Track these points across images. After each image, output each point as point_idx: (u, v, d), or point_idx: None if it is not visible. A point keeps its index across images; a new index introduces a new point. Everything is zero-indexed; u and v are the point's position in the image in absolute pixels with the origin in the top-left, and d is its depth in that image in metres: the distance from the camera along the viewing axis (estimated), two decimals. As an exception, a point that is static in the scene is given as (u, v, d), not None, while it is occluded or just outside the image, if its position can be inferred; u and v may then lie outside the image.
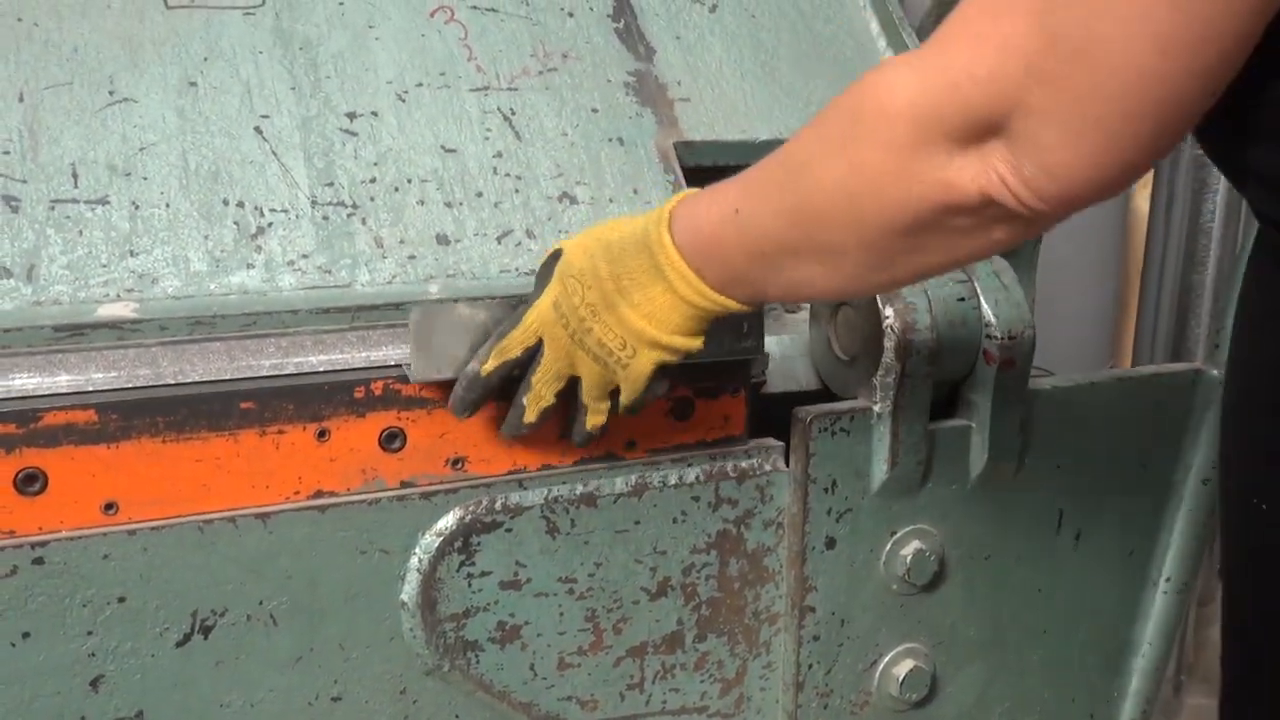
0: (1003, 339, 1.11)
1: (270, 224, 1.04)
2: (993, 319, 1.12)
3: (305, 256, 1.04)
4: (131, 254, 0.99)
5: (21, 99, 1.01)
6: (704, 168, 1.22)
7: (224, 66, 1.09)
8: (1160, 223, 2.66)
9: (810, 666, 1.14)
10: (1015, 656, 1.25)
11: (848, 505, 1.12)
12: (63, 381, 0.92)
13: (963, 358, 1.12)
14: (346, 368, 0.99)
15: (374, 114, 1.11)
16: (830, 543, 1.12)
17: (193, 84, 1.07)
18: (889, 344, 1.08)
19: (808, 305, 1.21)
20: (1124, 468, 1.26)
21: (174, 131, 1.04)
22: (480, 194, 1.11)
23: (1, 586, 0.88)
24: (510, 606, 1.03)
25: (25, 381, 0.91)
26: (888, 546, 1.14)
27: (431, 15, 1.18)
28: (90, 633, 0.91)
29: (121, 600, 0.92)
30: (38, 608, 0.89)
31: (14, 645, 0.89)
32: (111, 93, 1.04)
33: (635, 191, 1.16)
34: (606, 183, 1.16)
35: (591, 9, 1.24)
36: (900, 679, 1.17)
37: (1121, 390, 1.24)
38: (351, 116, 1.10)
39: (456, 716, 1.04)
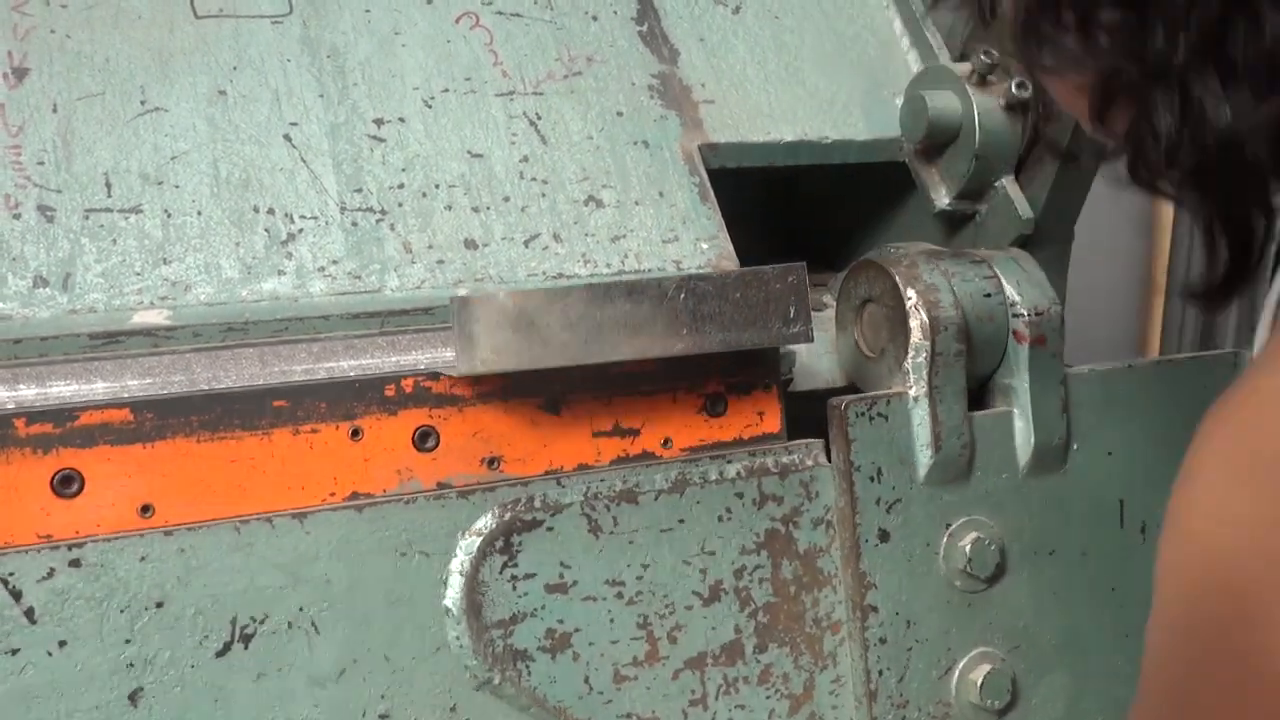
0: (1029, 315, 1.11)
1: (300, 230, 1.05)
2: (1016, 298, 1.12)
3: (335, 262, 1.05)
4: (165, 262, 1.01)
5: (55, 110, 1.03)
6: (728, 170, 1.22)
7: (253, 75, 1.10)
8: (1186, 219, 2.65)
9: (881, 674, 1.09)
10: (1100, 662, 1.18)
11: (896, 495, 1.09)
12: (99, 389, 0.93)
13: (994, 348, 1.11)
14: (377, 373, 0.99)
15: (401, 120, 1.12)
16: (884, 535, 1.09)
17: (222, 93, 1.08)
18: (915, 323, 1.07)
19: (833, 303, 1.21)
20: (1178, 455, 1.23)
21: (205, 140, 1.06)
22: (507, 198, 1.12)
23: (38, 590, 0.87)
24: (558, 612, 1.00)
25: (62, 389, 0.92)
26: (944, 539, 1.11)
27: (457, 21, 1.19)
28: (128, 641, 0.89)
29: (160, 605, 0.90)
30: (74, 613, 0.88)
31: (50, 654, 0.87)
32: (143, 102, 1.06)
33: (660, 194, 1.17)
34: (632, 186, 1.16)
35: (615, 12, 1.25)
36: (979, 684, 1.11)
37: (1161, 375, 1.21)
38: (379, 123, 1.11)
39: None
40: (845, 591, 1.09)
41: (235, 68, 1.09)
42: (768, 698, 1.06)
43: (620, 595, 1.02)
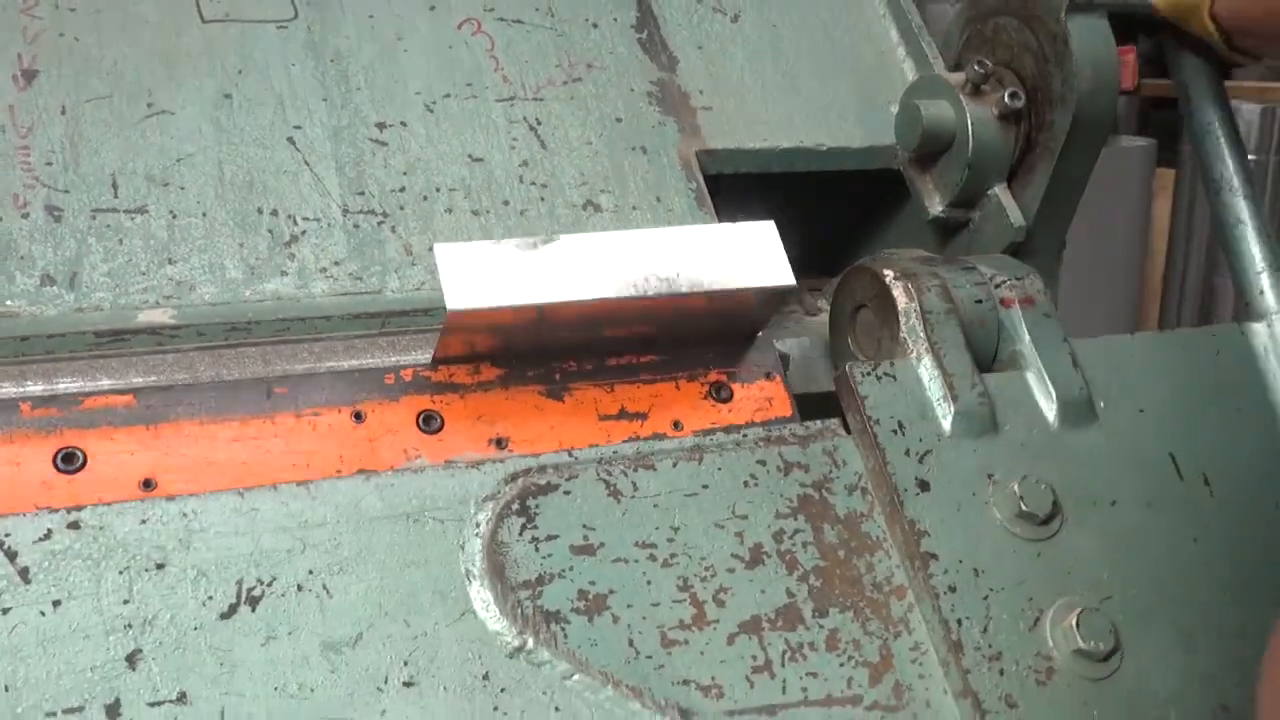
0: (1009, 280, 1.11)
1: (303, 232, 1.07)
2: (995, 273, 1.12)
3: (337, 264, 1.07)
4: (170, 261, 1.02)
5: (64, 112, 1.05)
6: (725, 175, 1.24)
7: (258, 79, 1.12)
8: (1182, 226, 2.67)
9: (960, 623, 0.97)
10: (1204, 615, 1.07)
11: (925, 446, 1.03)
12: (104, 385, 0.95)
13: (988, 323, 1.11)
14: (377, 366, 1.01)
15: (403, 124, 1.14)
16: (923, 485, 1.02)
17: (228, 96, 1.10)
18: (898, 293, 1.08)
19: (827, 308, 1.23)
20: (1220, 411, 1.15)
21: (210, 142, 1.08)
22: (507, 202, 1.14)
23: (34, 551, 0.83)
24: (588, 573, 0.92)
25: (68, 385, 0.94)
26: (989, 488, 1.04)
27: (459, 27, 1.21)
28: (126, 601, 0.84)
29: (160, 567, 0.85)
30: (70, 573, 0.83)
31: (44, 614, 0.82)
32: (150, 105, 1.08)
33: (658, 199, 1.19)
34: (630, 190, 1.18)
35: (615, 20, 1.27)
36: (1076, 626, 0.99)
37: (1166, 344, 1.18)
38: (381, 127, 1.13)
39: (556, 709, 0.88)
40: (899, 551, 1.00)
41: (240, 72, 1.11)
42: (841, 665, 0.95)
43: (653, 558, 0.95)
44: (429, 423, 0.99)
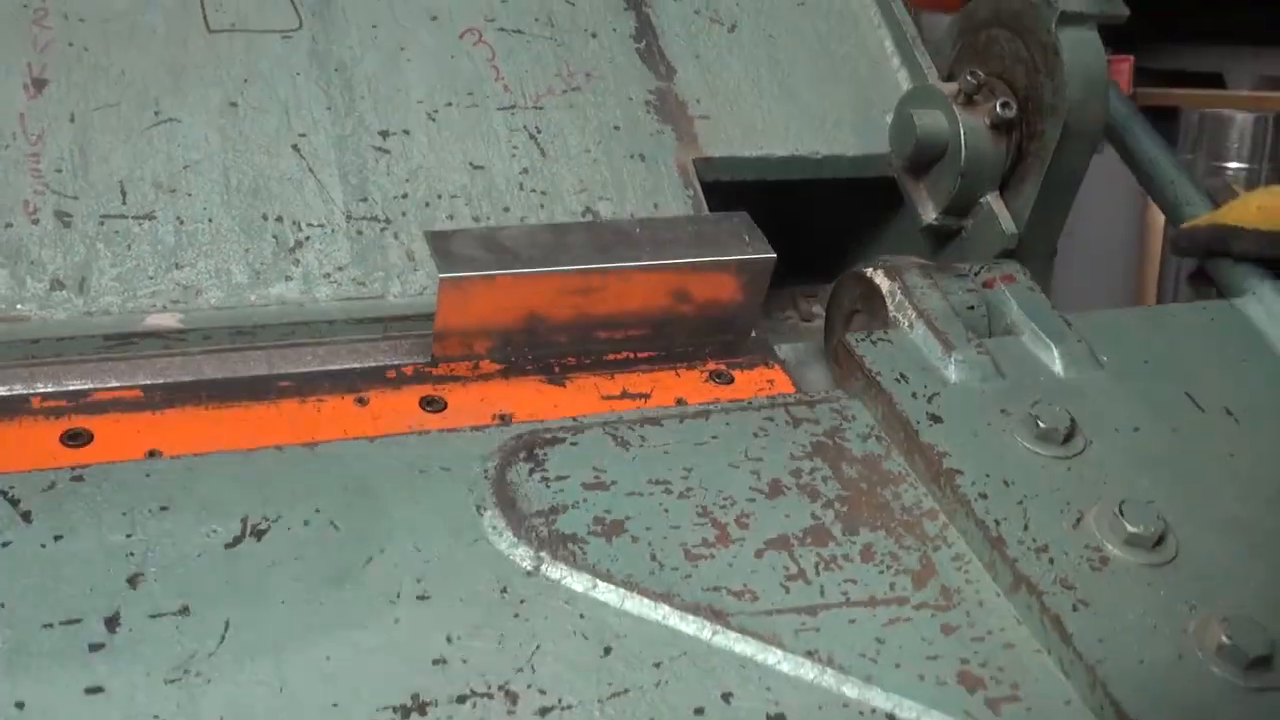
0: (988, 266, 1.13)
1: (307, 238, 1.09)
2: (974, 266, 1.14)
3: (340, 269, 1.09)
4: (177, 267, 1.05)
5: (73, 120, 1.07)
6: (722, 183, 1.26)
7: (263, 87, 1.14)
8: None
9: (998, 522, 0.91)
10: (1255, 519, 0.99)
11: (932, 390, 1.00)
12: (112, 386, 0.96)
13: (978, 313, 1.11)
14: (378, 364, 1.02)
15: (406, 132, 1.16)
16: (935, 419, 0.98)
17: (233, 104, 1.12)
18: (879, 278, 1.09)
19: (823, 314, 1.25)
20: (1225, 363, 1.13)
21: (216, 150, 1.10)
22: (507, 209, 1.16)
23: (37, 498, 0.82)
24: (603, 504, 0.89)
25: (77, 386, 0.95)
26: (1004, 419, 0.99)
27: (460, 37, 1.23)
28: (129, 535, 0.81)
29: (164, 509, 0.83)
30: (72, 511, 0.81)
31: (44, 546, 0.80)
32: (157, 113, 1.10)
33: (656, 206, 1.21)
34: (628, 197, 1.20)
35: (614, 30, 1.29)
36: (1120, 513, 0.92)
37: (1158, 318, 1.17)
38: (384, 135, 1.15)
39: (581, 615, 0.82)
40: (922, 480, 0.96)
41: (246, 80, 1.13)
42: (880, 574, 0.89)
43: (669, 491, 0.91)
44: (432, 404, 0.99)
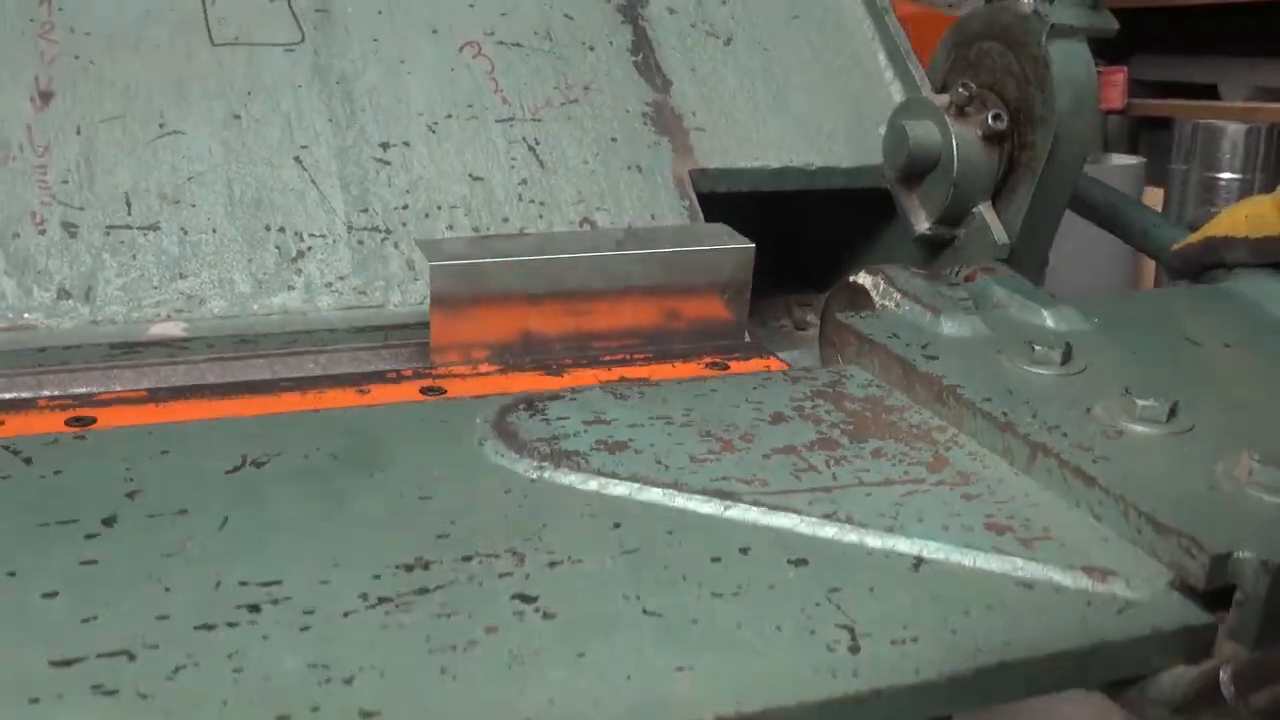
0: (965, 265, 1.16)
1: (309, 248, 1.11)
2: (956, 268, 1.17)
3: (342, 278, 1.10)
4: (181, 276, 1.06)
5: (79, 132, 1.09)
6: (717, 194, 1.28)
7: (266, 100, 1.16)
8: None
9: (1006, 414, 0.90)
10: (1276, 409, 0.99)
11: (925, 339, 1.01)
12: (117, 390, 0.98)
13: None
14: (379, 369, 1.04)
15: (406, 144, 1.18)
16: (931, 356, 0.98)
17: (237, 117, 1.14)
18: (861, 277, 1.11)
19: (817, 323, 1.27)
20: (1222, 321, 1.14)
21: (219, 161, 1.12)
22: (506, 219, 1.18)
23: (40, 449, 0.83)
24: (605, 433, 0.89)
25: (83, 392, 0.97)
26: (999, 354, 1.00)
27: (460, 50, 1.25)
28: (128, 469, 0.81)
29: (165, 452, 0.84)
30: (73, 456, 0.82)
31: (43, 477, 0.80)
32: (162, 125, 1.11)
33: (652, 216, 1.23)
34: (625, 208, 1.22)
35: (611, 43, 1.31)
36: (1128, 392, 0.91)
37: (1150, 300, 1.19)
38: (385, 146, 1.17)
39: (588, 504, 0.81)
40: (926, 405, 0.96)
41: (249, 93, 1.15)
42: (894, 466, 0.88)
43: (670, 422, 0.92)
44: (431, 392, 1.00)
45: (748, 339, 1.14)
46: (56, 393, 0.96)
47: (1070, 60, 1.24)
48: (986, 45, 1.31)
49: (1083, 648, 0.70)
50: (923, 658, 0.67)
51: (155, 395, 0.95)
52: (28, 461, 0.80)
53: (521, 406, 0.91)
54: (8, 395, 0.95)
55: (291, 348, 1.05)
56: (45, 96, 1.09)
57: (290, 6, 1.21)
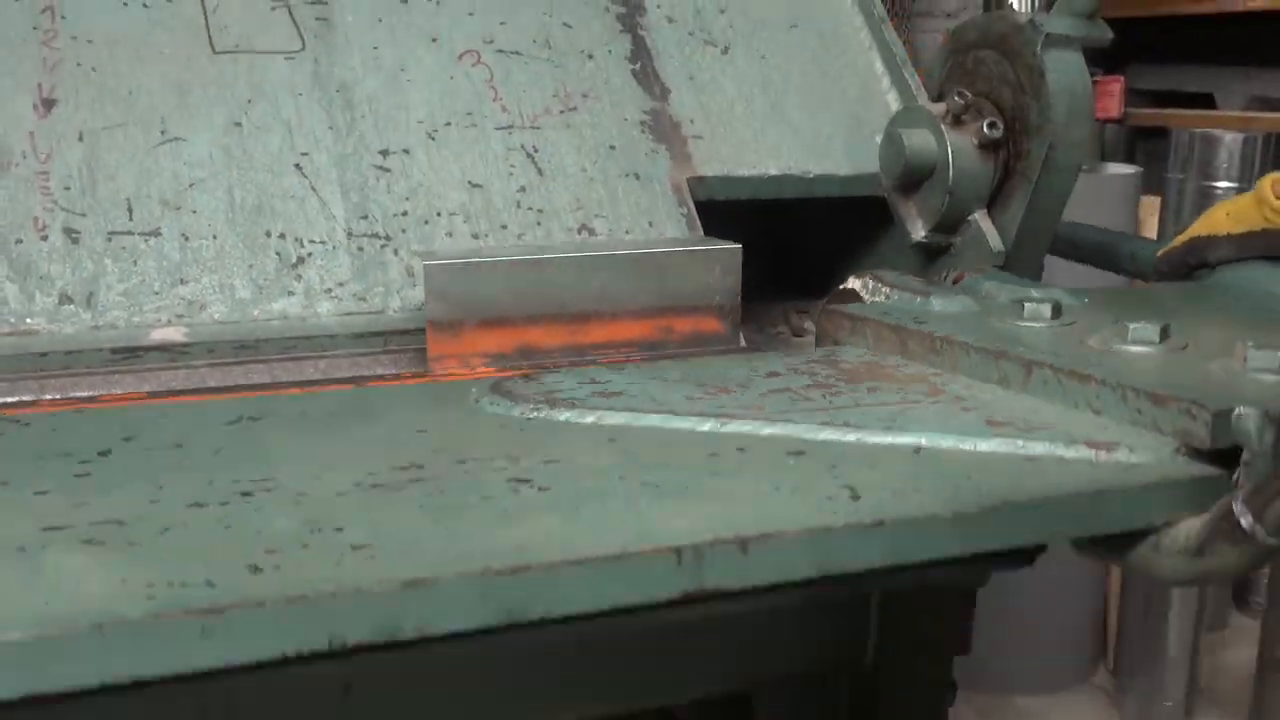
0: (953, 268, 1.18)
1: (309, 254, 1.11)
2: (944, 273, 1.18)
3: (342, 284, 1.11)
4: (182, 282, 1.07)
5: (81, 138, 1.09)
6: (715, 202, 1.29)
7: (266, 107, 1.16)
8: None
9: (1005, 351, 0.92)
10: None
11: (917, 310, 1.03)
12: (117, 394, 0.99)
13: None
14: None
15: (406, 151, 1.19)
16: (922, 321, 1.00)
17: (238, 124, 1.15)
18: (851, 280, 1.13)
19: (814, 330, 1.27)
20: (1214, 302, 1.17)
21: (220, 168, 1.12)
22: (505, 226, 1.18)
23: (38, 421, 0.85)
24: (601, 388, 0.92)
25: (84, 395, 0.98)
26: (993, 315, 1.01)
27: (460, 58, 1.26)
28: (125, 427, 0.84)
29: (163, 415, 0.87)
30: (74, 420, 0.86)
31: (40, 434, 0.83)
32: (163, 132, 1.12)
33: (650, 224, 1.23)
34: (623, 215, 1.23)
35: (610, 52, 1.32)
36: (1118, 321, 0.94)
37: (1140, 288, 1.22)
38: (385, 154, 1.18)
39: (585, 430, 0.84)
40: (922, 360, 0.97)
41: (250, 100, 1.16)
42: (891, 395, 0.89)
43: (664, 380, 0.94)
44: None
45: (743, 343, 1.15)
46: (58, 397, 0.97)
47: (1065, 70, 1.25)
48: (982, 54, 1.32)
49: (1089, 492, 0.71)
50: (925, 504, 0.68)
51: (156, 399, 0.96)
52: (25, 425, 0.84)
53: (517, 379, 0.95)
54: (10, 399, 0.95)
55: (291, 353, 1.06)
56: (48, 104, 1.10)
57: (291, 15, 1.22)
